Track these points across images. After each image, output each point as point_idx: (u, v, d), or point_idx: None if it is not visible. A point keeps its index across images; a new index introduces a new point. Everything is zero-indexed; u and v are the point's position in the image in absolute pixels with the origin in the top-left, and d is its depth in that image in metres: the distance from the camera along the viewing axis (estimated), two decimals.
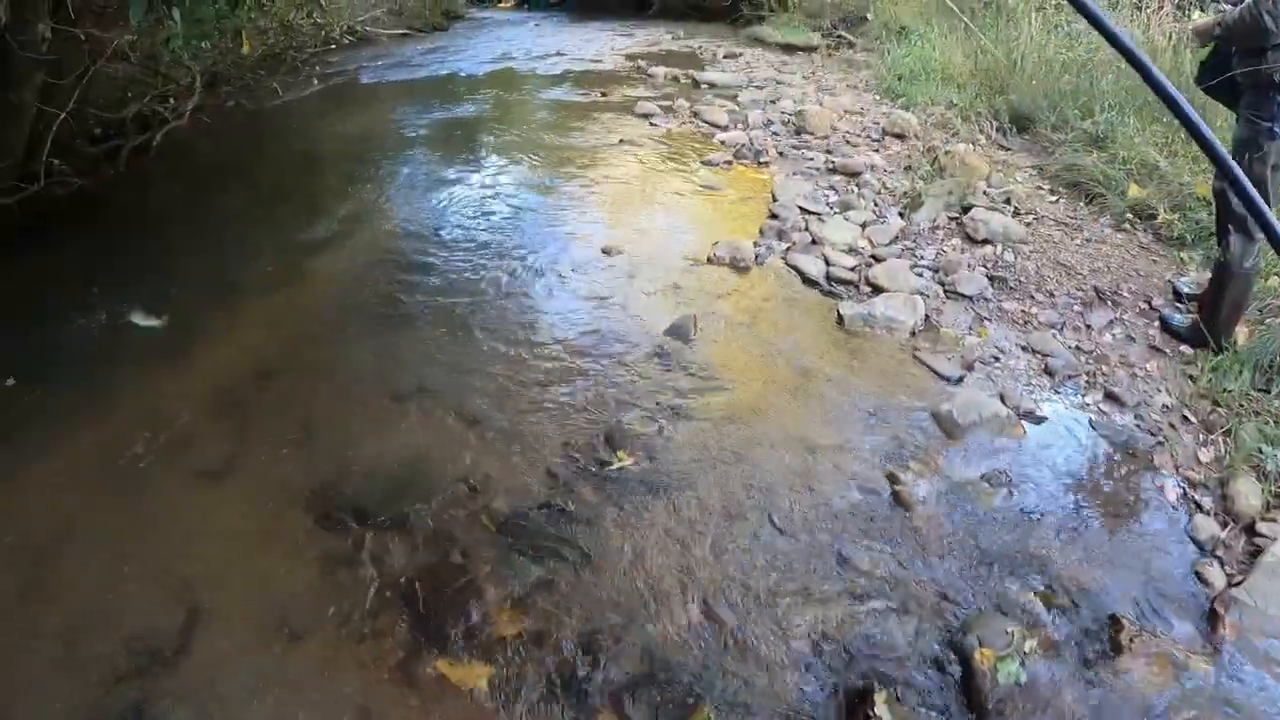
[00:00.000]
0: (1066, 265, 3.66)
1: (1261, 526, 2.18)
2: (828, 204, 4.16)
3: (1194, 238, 3.78)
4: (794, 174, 4.63)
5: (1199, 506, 2.30)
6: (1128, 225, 4.04)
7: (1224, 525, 2.22)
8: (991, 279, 3.48)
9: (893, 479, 2.37)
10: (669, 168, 4.86)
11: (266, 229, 4.08)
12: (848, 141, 5.09)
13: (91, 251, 3.69)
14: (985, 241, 3.75)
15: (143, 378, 2.80)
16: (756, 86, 7.05)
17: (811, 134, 5.27)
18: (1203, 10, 4.73)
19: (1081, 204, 4.29)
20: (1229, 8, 2.71)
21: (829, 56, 9.14)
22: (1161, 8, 5.16)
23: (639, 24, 13.39)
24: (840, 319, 3.21)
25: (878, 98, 6.36)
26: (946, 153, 4.36)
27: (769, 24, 11.05)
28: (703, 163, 4.90)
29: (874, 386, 2.82)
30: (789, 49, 9.89)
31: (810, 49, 9.57)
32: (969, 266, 3.54)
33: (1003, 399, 2.71)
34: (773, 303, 3.37)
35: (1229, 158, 0.62)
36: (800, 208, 4.11)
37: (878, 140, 5.11)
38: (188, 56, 4.61)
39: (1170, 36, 5.02)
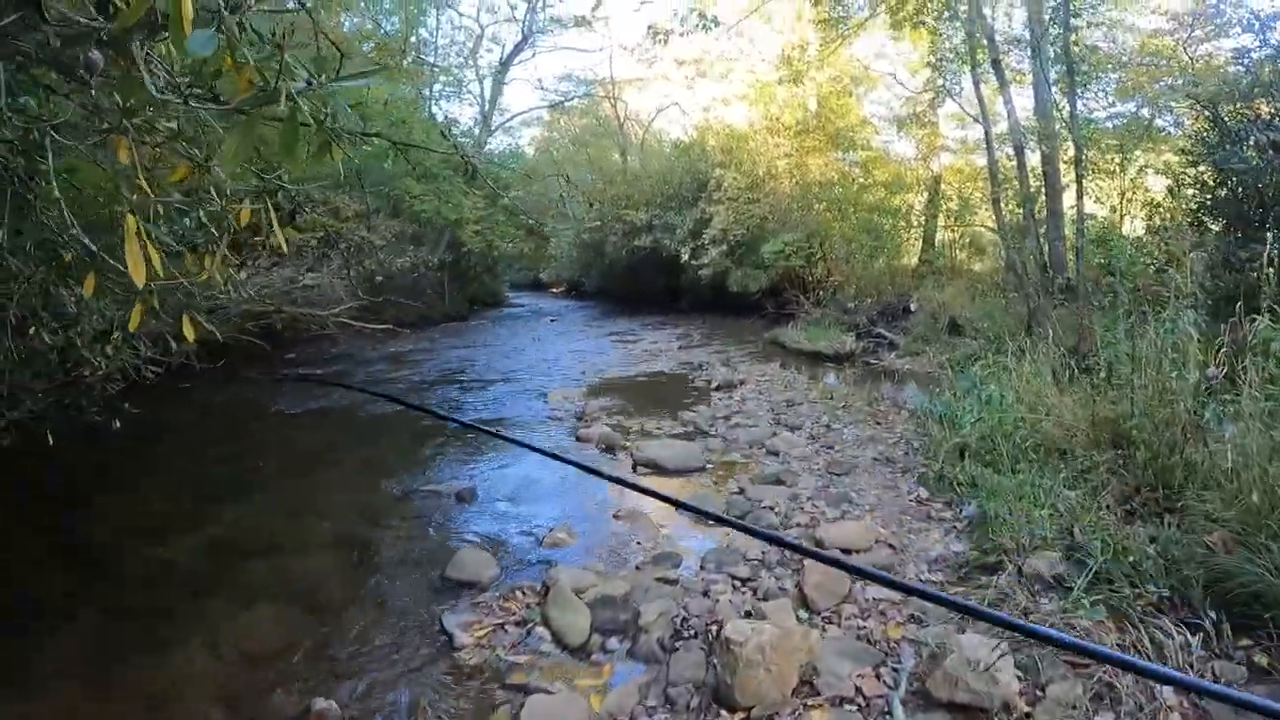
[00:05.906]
0: None
1: None
2: None
3: None
4: None
5: None
6: None
7: None
8: None
9: None
10: None
11: None
12: None
13: None
14: None
15: None
16: (728, 465, 4.60)
17: (745, 711, 2.41)
18: None
19: None
20: None
21: (860, 375, 6.67)
22: None
23: (662, 321, 11.93)
24: None
25: (921, 495, 3.64)
26: None
27: (796, 325, 9.04)
28: None
29: None
30: (815, 358, 7.63)
31: (842, 358, 7.31)
32: None
33: None
34: None
35: None
36: None
37: None
38: None
39: None
